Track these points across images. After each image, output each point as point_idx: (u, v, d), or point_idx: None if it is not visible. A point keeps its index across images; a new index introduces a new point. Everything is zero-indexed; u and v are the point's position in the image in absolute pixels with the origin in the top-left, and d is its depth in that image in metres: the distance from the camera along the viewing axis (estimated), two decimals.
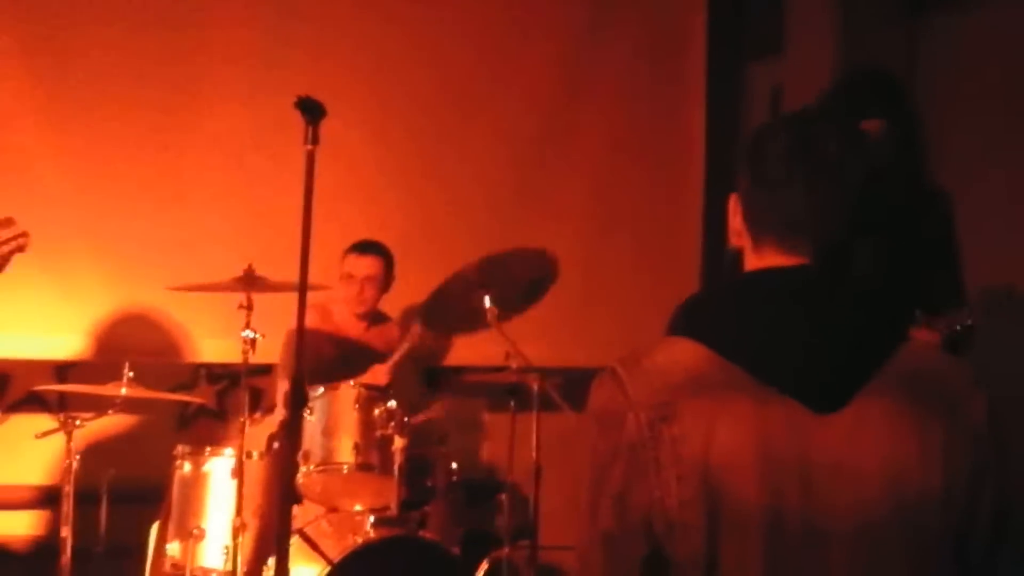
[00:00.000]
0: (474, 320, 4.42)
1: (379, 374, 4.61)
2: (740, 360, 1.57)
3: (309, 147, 3.08)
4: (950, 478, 1.57)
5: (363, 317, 4.91)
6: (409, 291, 4.90)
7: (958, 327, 3.40)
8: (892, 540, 1.55)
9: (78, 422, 4.08)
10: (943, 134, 5.21)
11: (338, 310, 4.90)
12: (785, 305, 1.61)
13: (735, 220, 1.72)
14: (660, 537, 1.56)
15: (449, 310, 4.53)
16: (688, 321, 1.64)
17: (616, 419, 1.58)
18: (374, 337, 4.93)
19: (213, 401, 5.37)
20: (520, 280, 4.51)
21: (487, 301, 4.32)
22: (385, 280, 4.87)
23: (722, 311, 1.65)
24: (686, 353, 1.59)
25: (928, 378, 1.62)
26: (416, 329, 4.71)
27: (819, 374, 1.57)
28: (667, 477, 1.54)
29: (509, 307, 4.44)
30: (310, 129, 3.08)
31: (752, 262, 1.70)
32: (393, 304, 5.06)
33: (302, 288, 3.03)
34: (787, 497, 1.53)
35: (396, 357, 4.65)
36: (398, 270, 4.90)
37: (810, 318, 1.59)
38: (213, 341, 4.99)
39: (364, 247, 4.82)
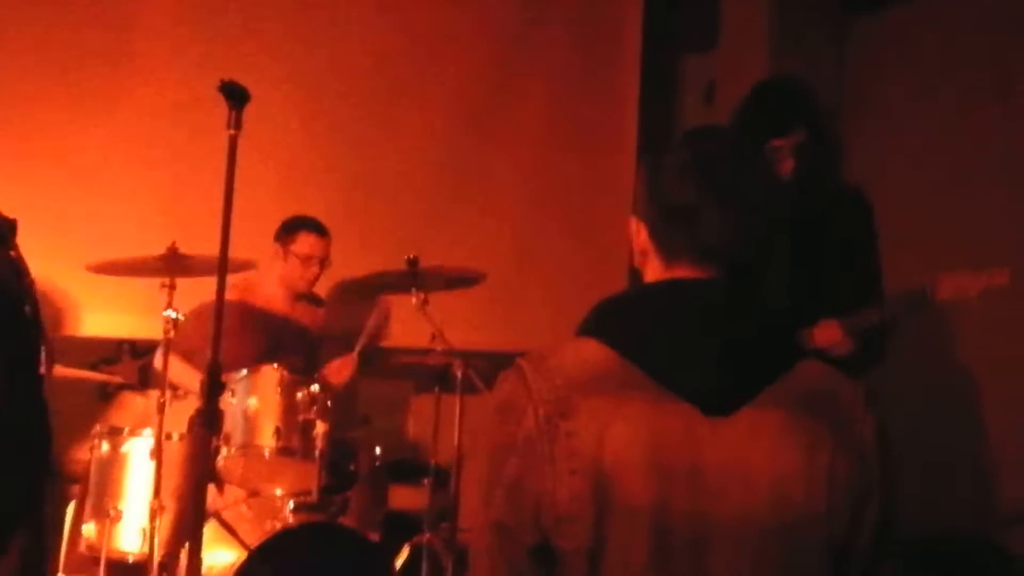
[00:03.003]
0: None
1: (341, 370, 4.61)
2: (640, 361, 1.61)
3: (232, 132, 3.05)
4: (834, 495, 1.62)
5: (300, 297, 4.85)
6: (333, 272, 4.88)
7: (868, 325, 3.44)
8: (773, 550, 1.60)
9: None
10: (874, 130, 5.29)
11: (265, 287, 4.79)
12: (690, 313, 1.65)
13: (639, 239, 1.75)
14: (548, 529, 1.60)
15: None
16: (596, 323, 1.69)
17: (516, 412, 1.63)
18: (302, 314, 4.87)
19: (135, 376, 5.32)
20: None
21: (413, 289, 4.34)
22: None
23: (629, 314, 1.69)
24: (590, 353, 1.64)
25: (822, 396, 1.67)
26: (382, 308, 4.69)
27: (713, 379, 1.61)
28: (560, 470, 1.59)
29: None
30: (233, 114, 3.04)
31: (663, 275, 1.72)
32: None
33: (220, 278, 3.00)
34: (675, 497, 1.58)
35: (362, 343, 4.65)
36: None
37: (712, 327, 1.64)
38: (137, 317, 4.92)
39: (320, 227, 4.72)
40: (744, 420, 1.60)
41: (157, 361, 4.41)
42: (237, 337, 4.32)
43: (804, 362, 1.69)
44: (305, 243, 4.70)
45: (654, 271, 1.73)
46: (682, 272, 1.70)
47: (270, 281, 4.78)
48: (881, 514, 1.67)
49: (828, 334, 3.42)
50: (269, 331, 4.68)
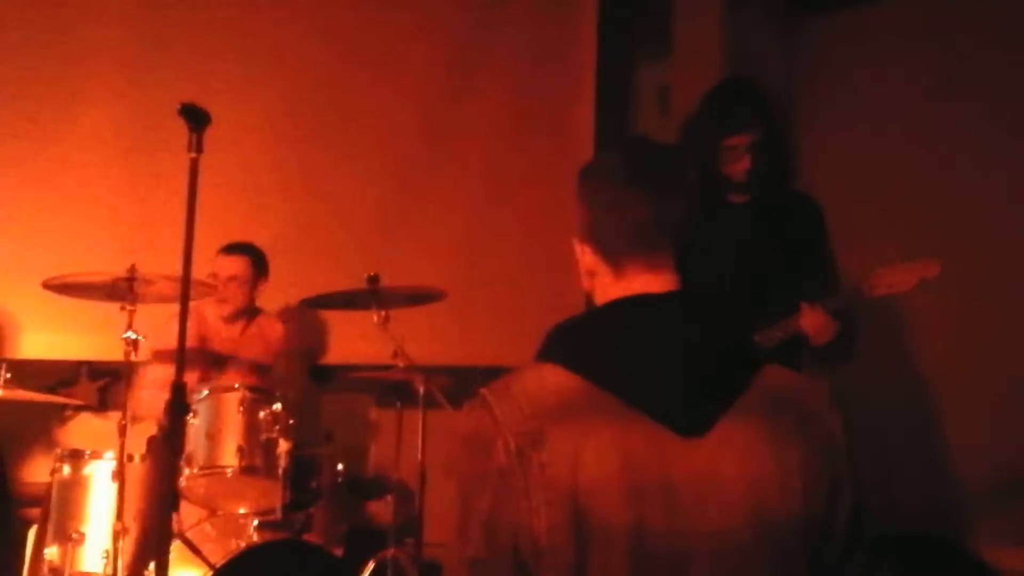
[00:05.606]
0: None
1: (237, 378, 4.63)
2: (607, 385, 1.60)
3: (193, 155, 3.03)
4: (809, 497, 1.63)
5: (232, 317, 4.88)
6: (287, 289, 4.91)
7: (841, 307, 3.47)
8: (754, 561, 1.60)
9: None
10: (822, 133, 5.37)
11: (211, 313, 4.87)
12: (651, 331, 1.65)
13: (585, 259, 1.75)
14: (528, 562, 1.59)
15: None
16: (556, 347, 1.68)
17: (485, 445, 1.61)
18: (248, 341, 4.92)
19: (95, 398, 5.29)
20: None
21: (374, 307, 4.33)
22: (253, 279, 4.84)
23: (589, 337, 1.68)
24: (554, 379, 1.63)
25: (787, 399, 1.68)
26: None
27: (683, 399, 1.61)
28: (536, 502, 1.58)
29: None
30: (194, 136, 3.03)
31: (615, 291, 1.71)
32: (271, 301, 5.03)
33: (184, 298, 2.99)
34: (651, 519, 1.57)
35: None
36: (276, 268, 4.87)
37: (675, 344, 1.63)
38: (95, 338, 4.89)
39: (229, 248, 4.80)
40: (714, 434, 1.60)
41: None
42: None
43: (767, 366, 1.69)
44: (221, 266, 4.78)
45: (604, 288, 1.73)
46: (636, 280, 1.69)
47: (213, 306, 4.82)
48: (852, 503, 1.69)
49: (815, 319, 3.41)
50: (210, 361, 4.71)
